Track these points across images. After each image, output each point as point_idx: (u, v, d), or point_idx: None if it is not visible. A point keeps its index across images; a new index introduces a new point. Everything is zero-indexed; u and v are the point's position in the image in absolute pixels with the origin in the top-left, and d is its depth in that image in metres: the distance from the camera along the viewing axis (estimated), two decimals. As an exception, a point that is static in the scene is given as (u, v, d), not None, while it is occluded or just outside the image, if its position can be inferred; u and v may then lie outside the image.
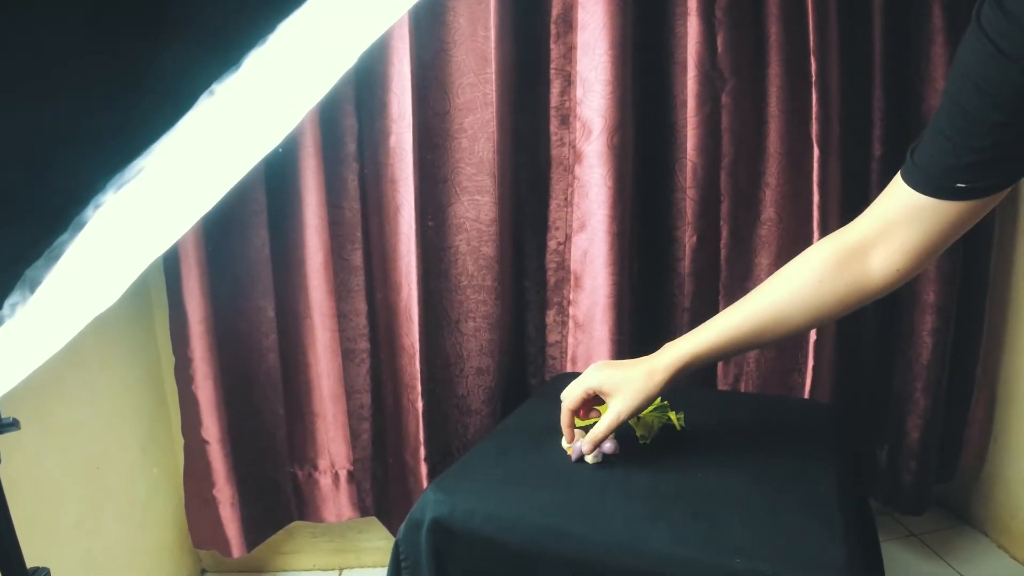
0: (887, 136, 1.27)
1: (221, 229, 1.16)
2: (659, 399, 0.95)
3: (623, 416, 0.77)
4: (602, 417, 0.80)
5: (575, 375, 0.84)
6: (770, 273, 1.28)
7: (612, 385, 0.78)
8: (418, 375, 1.15)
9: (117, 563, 1.16)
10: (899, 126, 1.27)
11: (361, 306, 1.23)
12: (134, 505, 1.23)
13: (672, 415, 0.95)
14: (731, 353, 0.78)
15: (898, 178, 0.65)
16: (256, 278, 1.20)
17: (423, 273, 1.14)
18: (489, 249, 1.16)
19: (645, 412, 0.93)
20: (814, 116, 1.17)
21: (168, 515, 1.32)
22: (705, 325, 0.78)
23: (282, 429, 1.28)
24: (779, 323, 0.73)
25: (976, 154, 0.57)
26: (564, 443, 0.86)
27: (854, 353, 1.37)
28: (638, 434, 0.90)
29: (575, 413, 0.82)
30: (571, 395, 0.81)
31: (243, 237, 1.18)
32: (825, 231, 1.20)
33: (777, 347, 1.25)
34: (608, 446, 0.84)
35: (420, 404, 1.16)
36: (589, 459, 0.82)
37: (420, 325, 1.14)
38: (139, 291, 1.26)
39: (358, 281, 1.22)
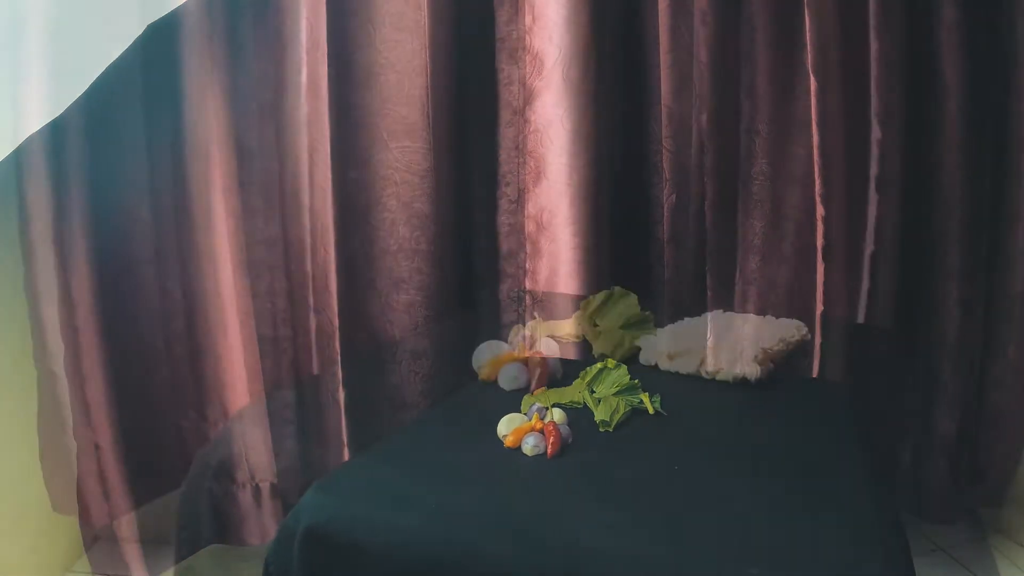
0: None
1: (111, 189, 0.98)
2: (628, 377, 0.76)
3: None
4: None
5: None
6: (765, 238, 1.10)
7: None
8: (337, 359, 0.95)
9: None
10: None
11: (280, 284, 1.04)
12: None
13: (644, 397, 0.76)
14: None
15: None
16: (154, 250, 1.01)
17: (342, 234, 0.95)
18: (423, 205, 0.97)
19: (608, 392, 0.74)
20: (808, 43, 0.99)
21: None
22: None
23: (191, 436, 1.08)
24: None
25: None
26: (500, 430, 0.67)
27: (868, 331, 1.17)
28: (598, 419, 0.71)
29: None
30: None
31: (140, 200, 1.00)
32: (829, 184, 1.01)
33: None
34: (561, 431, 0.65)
35: (341, 395, 0.96)
36: (528, 450, 0.63)
37: (338, 297, 0.95)
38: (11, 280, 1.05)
39: (276, 254, 1.03)
